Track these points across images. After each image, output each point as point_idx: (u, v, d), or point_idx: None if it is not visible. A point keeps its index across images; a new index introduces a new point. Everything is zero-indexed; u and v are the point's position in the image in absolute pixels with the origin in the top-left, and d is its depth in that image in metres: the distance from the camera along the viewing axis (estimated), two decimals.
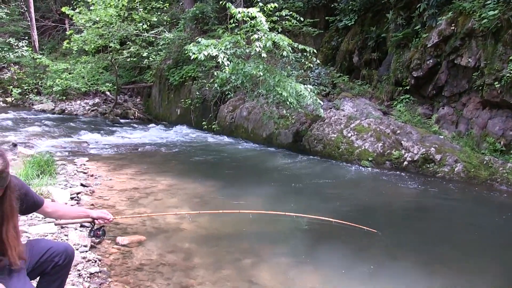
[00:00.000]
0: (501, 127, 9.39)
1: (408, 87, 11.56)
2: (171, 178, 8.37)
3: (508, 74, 8.92)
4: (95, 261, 4.47)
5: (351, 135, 10.46)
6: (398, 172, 9.25)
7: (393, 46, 12.21)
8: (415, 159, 9.36)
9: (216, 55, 8.68)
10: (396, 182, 8.61)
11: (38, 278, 2.90)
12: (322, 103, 10.89)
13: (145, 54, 18.51)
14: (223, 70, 9.20)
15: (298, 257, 5.07)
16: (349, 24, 13.81)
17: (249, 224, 6.09)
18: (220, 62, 8.70)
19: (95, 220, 3.29)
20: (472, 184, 8.44)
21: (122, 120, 18.21)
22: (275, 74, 9.53)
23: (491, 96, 9.43)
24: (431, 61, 10.92)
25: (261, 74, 9.17)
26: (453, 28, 10.40)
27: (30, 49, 22.71)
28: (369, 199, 7.67)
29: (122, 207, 6.48)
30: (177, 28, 18.15)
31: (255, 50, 8.87)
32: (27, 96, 21.67)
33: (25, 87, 21.84)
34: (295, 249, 5.36)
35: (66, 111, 20.10)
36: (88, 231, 3.39)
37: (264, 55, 8.83)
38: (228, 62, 8.82)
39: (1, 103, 21.84)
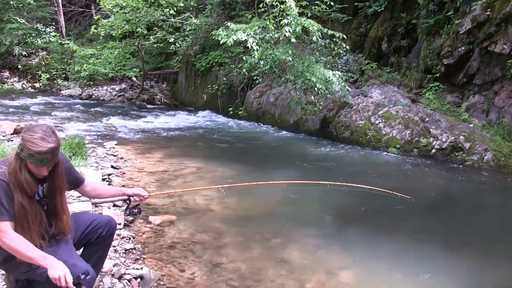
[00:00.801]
0: None
1: (438, 75, 11.38)
2: (199, 162, 8.47)
3: None
4: (129, 239, 4.59)
5: (379, 122, 10.39)
6: (426, 160, 9.17)
7: (423, 33, 12.01)
8: (443, 147, 9.26)
9: (245, 40, 8.68)
10: (424, 169, 8.56)
11: (82, 248, 3.02)
12: (350, 89, 10.82)
13: (171, 40, 18.59)
14: (252, 55, 9.20)
15: (324, 235, 5.13)
16: (379, 10, 13.62)
17: (276, 204, 6.20)
18: (249, 47, 8.71)
19: (131, 198, 3.35)
20: (502, 173, 8.33)
21: (148, 106, 18.42)
22: (304, 59, 9.50)
23: None
24: (463, 48, 10.72)
25: (290, 59, 9.16)
26: (488, 13, 10.14)
27: (58, 34, 23.04)
28: (396, 183, 7.64)
29: (152, 188, 6.60)
30: (204, 13, 18.17)
31: (284, 35, 8.84)
32: (55, 82, 22.04)
33: (53, 72, 22.19)
34: (320, 226, 5.42)
35: (93, 97, 20.40)
36: (124, 209, 3.46)
37: (293, 40, 8.81)
38: (257, 47, 8.82)
39: (30, 88, 22.30)
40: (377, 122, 10.44)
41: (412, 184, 7.67)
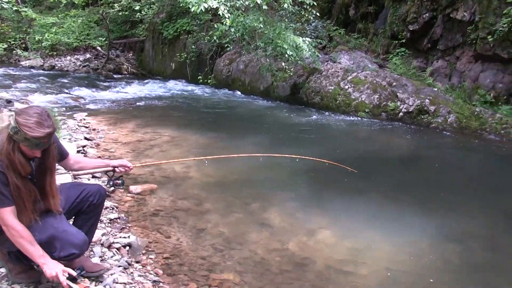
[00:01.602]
0: (491, 80, 9.66)
1: (403, 41, 11.67)
2: (173, 131, 8.53)
3: (501, 28, 9.09)
4: (113, 209, 4.69)
5: (348, 87, 10.64)
6: (393, 123, 9.53)
7: None
8: (410, 110, 9.61)
9: (216, 7, 8.66)
10: (391, 132, 8.93)
11: (73, 218, 3.11)
12: (320, 56, 10.98)
13: (137, 8, 18.13)
14: (224, 22, 9.19)
15: (301, 198, 5.38)
16: None
17: (253, 171, 6.39)
18: (221, 14, 8.70)
19: (116, 169, 3.42)
20: (464, 133, 8.81)
21: (115, 76, 18.03)
22: (275, 26, 9.57)
23: (484, 49, 9.62)
24: (427, 14, 11.00)
25: (261, 26, 9.21)
26: None
27: (12, 0, 21.87)
28: (365, 146, 7.98)
29: (129, 158, 6.64)
30: None
31: (255, 2, 8.85)
32: (14, 52, 21.06)
33: (11, 42, 21.15)
34: (297, 191, 5.67)
35: (56, 67, 19.68)
36: (107, 180, 3.50)
37: (264, 7, 8.84)
38: (229, 14, 8.82)
39: None
40: (346, 87, 10.68)
41: (380, 146, 8.01)
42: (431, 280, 3.69)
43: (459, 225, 4.82)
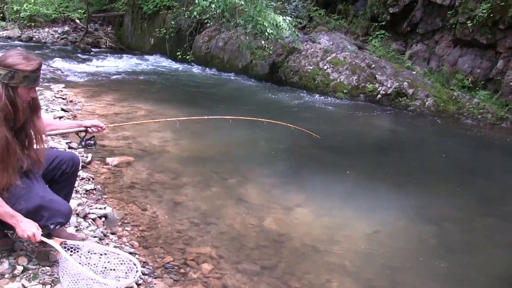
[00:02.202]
0: (470, 65, 9.78)
1: (383, 23, 11.70)
2: (151, 105, 8.43)
3: (480, 14, 9.19)
4: (89, 180, 4.62)
5: (327, 68, 10.65)
6: (372, 104, 9.60)
7: None
8: (388, 92, 9.69)
9: None
10: (369, 113, 9.00)
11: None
12: (299, 35, 10.94)
13: None
14: None
15: (279, 175, 5.40)
16: None
17: (231, 146, 6.44)
18: None
19: (88, 129, 3.37)
20: (441, 117, 8.91)
21: (93, 49, 17.69)
22: (256, 4, 9.47)
23: (463, 34, 9.72)
24: None
25: (242, 3, 9.10)
26: None
27: None
28: (341, 124, 8.06)
29: (106, 131, 6.54)
30: None
31: None
32: None
33: None
34: (275, 167, 5.70)
35: (34, 39, 19.20)
36: (80, 141, 3.45)
37: None
38: None
39: None
40: (325, 67, 10.69)
41: (357, 126, 8.11)
42: (406, 259, 3.75)
43: (435, 206, 4.91)
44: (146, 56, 15.61)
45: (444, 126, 8.47)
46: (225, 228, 3.98)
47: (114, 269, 2.78)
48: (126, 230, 3.73)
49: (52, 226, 2.65)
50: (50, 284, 2.62)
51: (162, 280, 3.11)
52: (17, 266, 2.70)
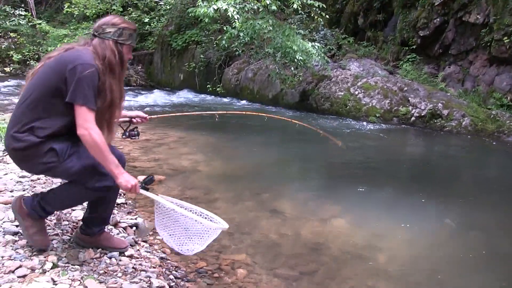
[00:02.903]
0: (508, 83, 9.48)
1: (414, 47, 11.56)
2: (181, 132, 8.43)
3: None
4: (120, 194, 4.54)
5: (358, 93, 10.51)
6: (405, 127, 9.37)
7: (399, 6, 12.16)
8: (422, 114, 9.45)
9: (226, 9, 8.62)
10: (403, 134, 8.80)
11: None
12: (329, 61, 10.90)
13: (146, 20, 18.30)
14: (233, 25, 9.15)
15: (313, 189, 5.22)
16: None
17: (263, 166, 6.30)
18: (230, 16, 8.65)
19: (132, 120, 3.33)
20: (480, 136, 8.60)
21: (124, 87, 18.09)
22: (285, 28, 9.50)
23: (499, 52, 9.48)
24: (438, 19, 10.91)
25: (271, 28, 9.14)
26: None
27: (29, 14, 22.16)
28: (376, 144, 7.87)
29: (137, 154, 6.55)
30: None
31: (264, 5, 8.81)
32: (27, 63, 21.21)
33: (26, 53, 21.26)
34: (309, 183, 5.52)
35: None
36: (123, 131, 3.38)
37: (274, 7, 8.78)
38: (238, 16, 8.77)
39: (0, 73, 21.46)
40: (356, 92, 10.55)
41: (391, 145, 7.92)
42: (453, 265, 3.50)
43: (479, 216, 4.63)
44: (176, 91, 15.80)
45: (484, 144, 8.15)
46: (260, 238, 3.81)
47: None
48: (158, 239, 3.60)
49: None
50: (79, 280, 2.51)
51: (196, 283, 2.96)
52: (46, 262, 2.61)
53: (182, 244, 2.65)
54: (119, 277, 2.67)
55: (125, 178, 2.50)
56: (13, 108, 2.67)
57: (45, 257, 2.68)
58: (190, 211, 2.71)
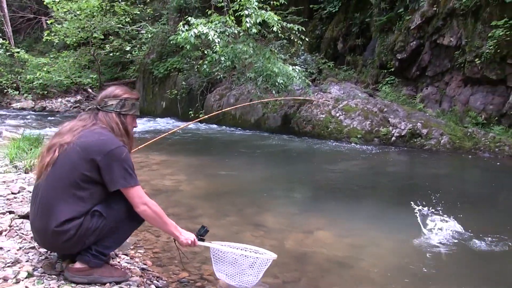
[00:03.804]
0: (482, 102, 9.71)
1: (392, 70, 11.79)
2: (164, 155, 8.38)
3: (487, 51, 9.21)
4: None
5: (339, 115, 10.61)
6: (387, 147, 9.46)
7: (377, 30, 12.44)
8: (402, 134, 9.56)
9: (206, 33, 8.71)
10: (384, 154, 8.86)
11: None
12: (310, 84, 11.03)
13: (128, 48, 18.38)
14: (214, 49, 9.24)
15: (297, 204, 5.20)
16: (333, 11, 14.02)
17: (246, 184, 6.26)
18: (211, 40, 8.74)
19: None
20: (458, 153, 8.76)
21: None
22: (265, 51, 9.62)
23: (472, 72, 9.72)
24: (414, 42, 11.17)
25: (251, 51, 9.25)
26: (435, 8, 10.67)
27: (7, 42, 21.91)
28: (359, 164, 7.91)
29: None
30: (160, 21, 18.13)
31: (244, 29, 8.94)
32: (5, 92, 20.84)
33: (3, 82, 20.90)
34: (292, 198, 5.49)
35: (47, 109, 19.58)
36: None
37: (254, 30, 8.89)
38: (219, 40, 8.87)
39: None
40: (337, 115, 10.66)
41: (374, 164, 7.95)
42: (438, 270, 3.49)
43: (459, 225, 4.64)
44: (158, 119, 15.77)
45: (462, 161, 8.32)
46: None
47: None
48: (139, 252, 3.54)
49: None
50: None
51: None
52: (21, 272, 2.52)
53: (241, 280, 2.91)
54: (98, 285, 2.59)
55: (185, 237, 2.74)
56: None
57: (19, 268, 2.59)
58: (242, 249, 2.99)
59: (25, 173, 5.46)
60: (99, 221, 2.46)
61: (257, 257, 2.88)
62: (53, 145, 2.54)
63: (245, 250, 2.95)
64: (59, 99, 20.54)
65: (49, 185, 2.44)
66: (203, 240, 2.89)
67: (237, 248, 2.97)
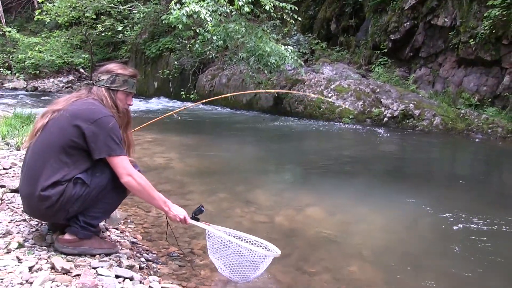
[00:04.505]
0: (475, 84, 9.71)
1: (385, 51, 11.76)
2: (155, 134, 8.36)
3: (482, 31, 9.18)
4: None
5: (332, 95, 10.61)
6: (379, 128, 9.48)
7: (370, 11, 12.37)
8: (395, 115, 9.59)
9: (198, 11, 8.61)
10: (376, 134, 8.89)
11: None
12: (303, 64, 10.99)
13: (120, 28, 18.16)
14: (206, 28, 9.15)
15: (287, 181, 5.23)
16: None
17: (237, 162, 6.29)
18: (203, 18, 8.65)
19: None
20: (450, 134, 8.81)
21: None
22: (257, 31, 9.55)
23: (467, 53, 9.70)
24: (408, 23, 11.13)
25: (244, 30, 9.18)
26: None
27: None
28: (350, 143, 7.98)
29: None
30: (153, 1, 17.92)
31: (238, 4, 8.82)
32: None
33: None
34: (283, 175, 5.52)
35: (39, 89, 19.46)
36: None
37: (246, 9, 8.80)
38: (210, 18, 8.77)
39: None
40: (329, 95, 10.65)
41: (365, 144, 8.02)
42: (426, 245, 3.54)
43: (449, 202, 4.69)
44: (150, 99, 15.70)
45: (454, 141, 8.37)
46: (234, 225, 3.75)
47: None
48: (129, 227, 3.56)
49: None
50: (46, 259, 2.43)
51: (167, 265, 2.90)
52: (11, 243, 2.53)
53: (236, 272, 2.72)
54: (88, 257, 2.61)
55: (174, 213, 2.68)
56: None
57: (10, 239, 2.60)
58: (242, 239, 2.80)
59: (17, 150, 5.43)
60: (82, 189, 2.45)
61: (261, 254, 2.69)
62: (46, 112, 2.57)
63: (247, 242, 2.79)
64: (51, 79, 20.41)
65: (37, 149, 2.47)
66: (197, 219, 2.83)
67: (238, 238, 2.80)
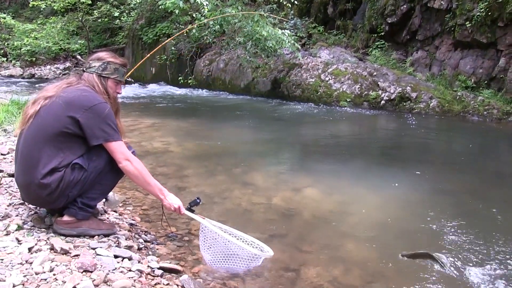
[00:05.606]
0: (471, 66, 9.73)
1: (382, 34, 11.73)
2: (154, 119, 8.39)
3: (478, 13, 9.18)
4: None
5: (329, 79, 10.62)
6: (376, 111, 9.52)
7: None
8: (392, 98, 9.61)
9: None
10: (374, 117, 8.94)
11: None
12: (300, 48, 10.97)
13: (116, 14, 18.06)
14: (202, 12, 9.11)
15: (285, 164, 5.27)
16: None
17: (235, 145, 6.30)
18: (199, 3, 8.61)
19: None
20: (447, 116, 8.85)
21: None
22: (254, 15, 9.51)
23: (463, 36, 9.70)
24: (405, 6, 11.09)
25: (240, 14, 9.14)
26: None
27: None
28: (347, 126, 7.99)
29: None
30: None
31: None
32: None
33: None
34: (281, 157, 5.56)
35: (36, 76, 19.34)
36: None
37: None
38: (207, 2, 8.73)
39: None
40: (327, 79, 10.66)
41: (363, 126, 8.04)
42: (422, 225, 3.57)
43: (446, 182, 4.75)
44: (148, 84, 15.66)
45: (451, 123, 8.43)
46: (232, 206, 3.83)
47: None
48: (128, 209, 3.60)
49: None
50: (45, 241, 2.47)
51: (165, 246, 2.95)
52: (11, 225, 2.57)
53: (226, 264, 2.71)
54: (86, 238, 2.65)
55: (168, 201, 2.73)
56: None
57: (9, 221, 2.64)
58: (235, 237, 2.80)
59: (15, 136, 5.45)
60: (80, 173, 2.48)
61: (252, 253, 2.66)
62: (37, 98, 2.56)
63: (240, 240, 2.77)
64: (48, 66, 20.28)
65: (30, 136, 2.47)
66: (192, 211, 2.85)
67: (231, 235, 2.79)
